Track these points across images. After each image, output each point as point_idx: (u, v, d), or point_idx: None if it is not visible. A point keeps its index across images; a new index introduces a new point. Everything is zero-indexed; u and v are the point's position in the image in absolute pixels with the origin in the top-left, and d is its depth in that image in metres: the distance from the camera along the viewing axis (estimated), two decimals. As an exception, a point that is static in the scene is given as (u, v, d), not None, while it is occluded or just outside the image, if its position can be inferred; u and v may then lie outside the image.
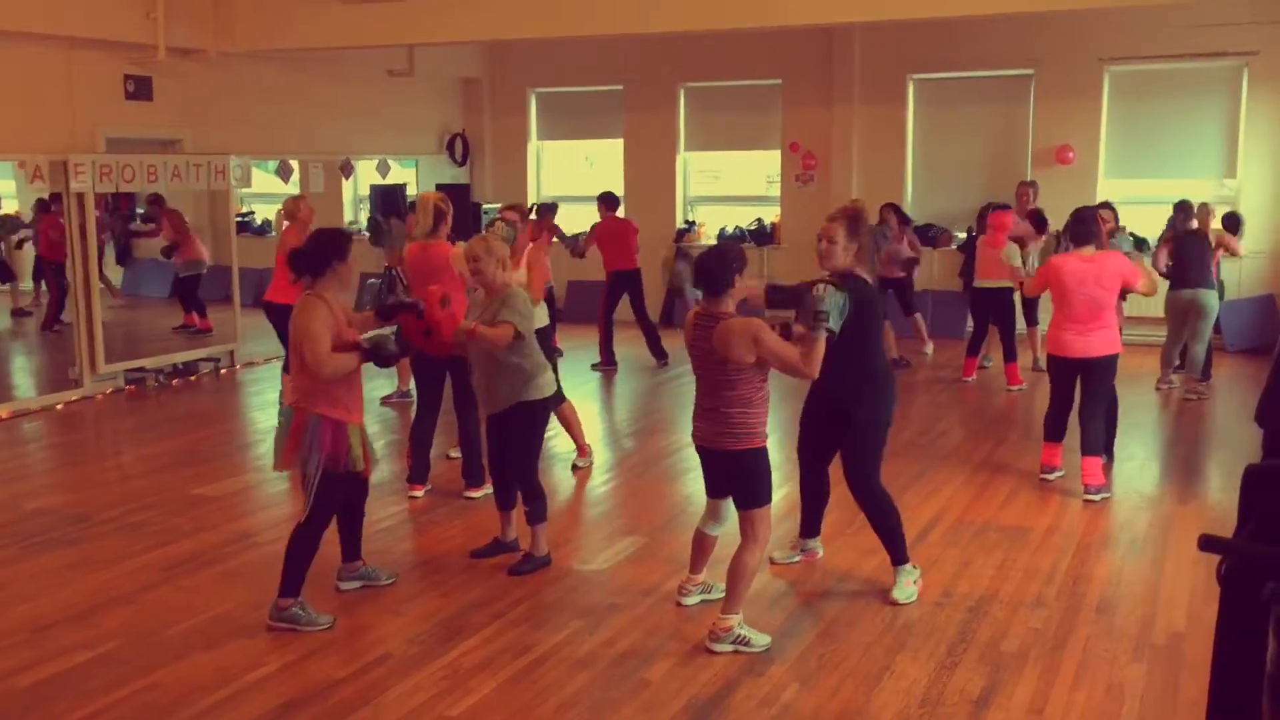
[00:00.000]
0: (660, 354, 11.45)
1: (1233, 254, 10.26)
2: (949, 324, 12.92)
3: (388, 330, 5.33)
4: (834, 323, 4.83)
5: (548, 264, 11.40)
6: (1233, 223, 10.78)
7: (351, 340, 5.20)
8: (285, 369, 9.30)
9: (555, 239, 11.61)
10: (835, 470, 5.88)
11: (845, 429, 5.51)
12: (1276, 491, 2.40)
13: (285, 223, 9.69)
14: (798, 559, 6.00)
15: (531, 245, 8.36)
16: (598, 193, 11.71)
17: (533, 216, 11.93)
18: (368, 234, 9.67)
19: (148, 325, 13.07)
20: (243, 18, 11.68)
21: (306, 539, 5.22)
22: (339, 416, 5.15)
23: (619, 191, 12.62)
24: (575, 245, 11.46)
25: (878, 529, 5.58)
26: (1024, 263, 10.09)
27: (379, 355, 5.22)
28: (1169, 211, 10.93)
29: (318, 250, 5.18)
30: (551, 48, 14.44)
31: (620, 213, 11.84)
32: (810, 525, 6.02)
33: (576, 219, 13.41)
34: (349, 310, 5.45)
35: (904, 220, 11.72)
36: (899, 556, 5.57)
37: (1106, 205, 10.63)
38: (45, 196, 11.94)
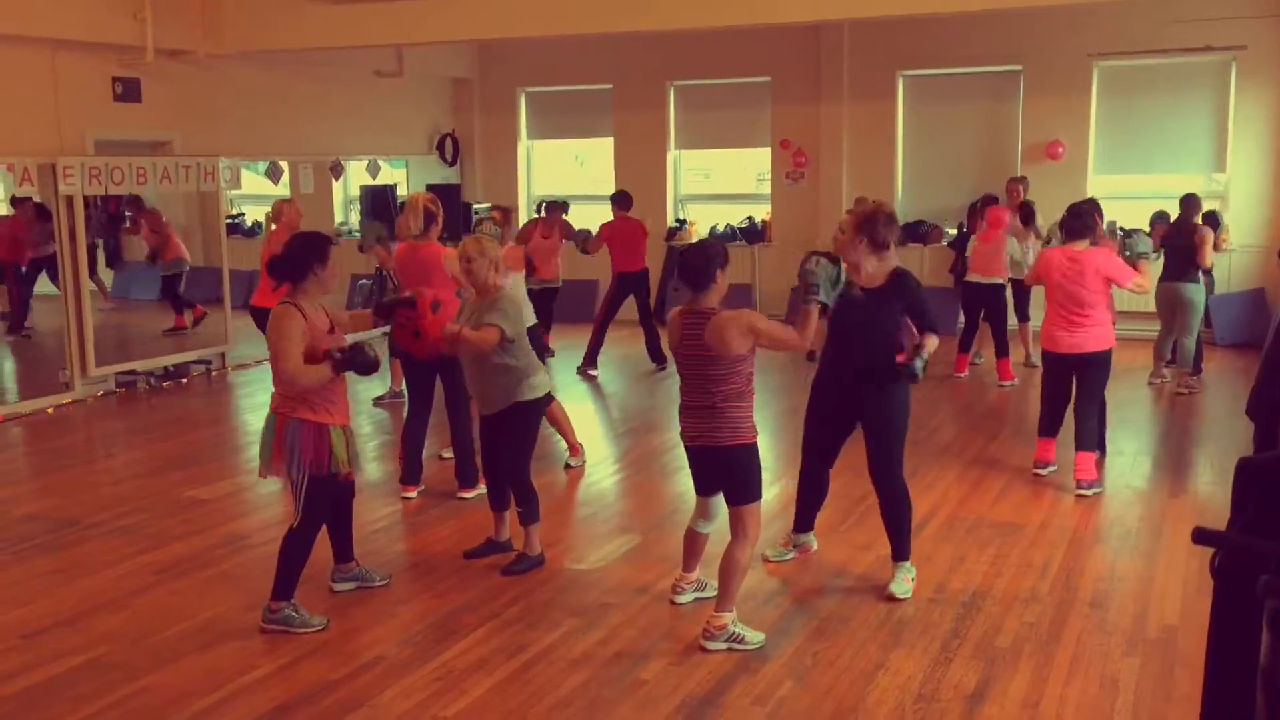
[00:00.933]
0: (659, 358, 11.23)
1: (1202, 258, 9.74)
2: (940, 320, 12.90)
3: (376, 334, 5.34)
4: (825, 295, 4.87)
5: (558, 263, 11.33)
6: (1210, 222, 10.79)
7: (323, 349, 5.10)
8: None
9: (566, 239, 11.47)
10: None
11: (868, 417, 5.52)
12: (1269, 484, 2.40)
13: (273, 225, 9.68)
14: (791, 555, 5.99)
15: (514, 246, 8.33)
16: (587, 191, 11.67)
17: (540, 214, 11.86)
18: (359, 237, 9.63)
19: (138, 328, 13.03)
20: (231, 19, 11.65)
21: (298, 543, 5.21)
22: (319, 420, 5.13)
23: (610, 190, 12.57)
24: (585, 242, 11.31)
25: (889, 521, 5.58)
26: (1024, 256, 10.13)
27: (355, 364, 5.10)
28: (1158, 206, 10.95)
29: (297, 255, 5.14)
30: (541, 47, 14.43)
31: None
32: (805, 520, 6.01)
33: (570, 218, 13.37)
34: (336, 313, 5.41)
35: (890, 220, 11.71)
36: (902, 552, 5.58)
37: (1090, 202, 10.64)
38: (31, 197, 11.89)
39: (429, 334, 5.56)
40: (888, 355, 5.41)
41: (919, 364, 5.34)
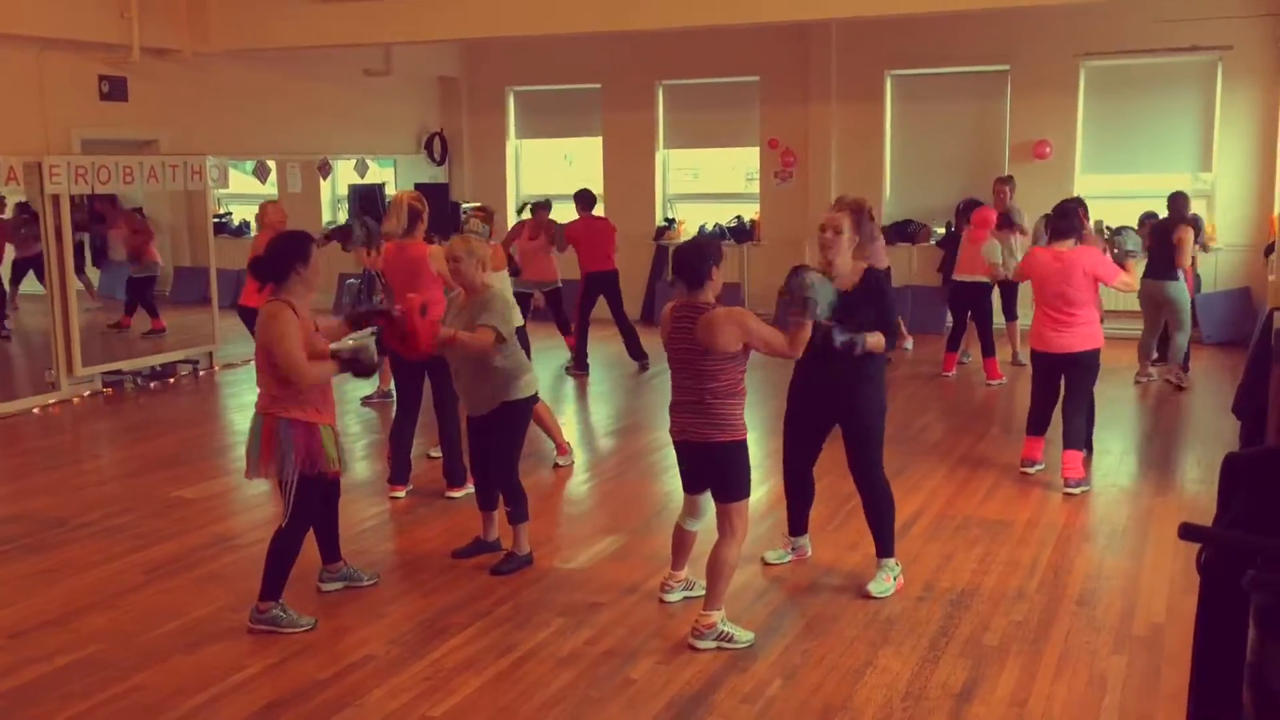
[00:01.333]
0: (640, 355, 11.21)
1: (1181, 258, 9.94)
2: (928, 319, 12.95)
3: (366, 335, 5.31)
4: (821, 311, 4.89)
5: (554, 263, 11.29)
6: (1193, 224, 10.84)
7: (322, 349, 5.15)
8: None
9: (550, 240, 11.39)
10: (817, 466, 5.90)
11: (843, 418, 5.53)
12: (1255, 480, 2.41)
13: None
14: (789, 558, 5.99)
15: (517, 242, 8.30)
16: (575, 191, 11.58)
17: (525, 215, 11.84)
18: (338, 240, 9.53)
19: (125, 328, 12.97)
20: (218, 17, 11.62)
21: (287, 543, 5.21)
22: (309, 418, 5.12)
23: (598, 190, 12.56)
24: (558, 240, 11.26)
25: (872, 518, 5.59)
26: (1003, 259, 10.15)
27: (357, 365, 5.18)
28: (1145, 206, 11.00)
29: (278, 255, 5.13)
30: (529, 46, 14.42)
31: (599, 211, 11.66)
32: (798, 522, 6.01)
33: (558, 217, 13.37)
34: (316, 318, 5.38)
35: (871, 218, 11.66)
36: (885, 549, 5.59)
37: (1076, 201, 10.68)
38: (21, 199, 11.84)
39: (421, 337, 5.55)
40: (861, 356, 5.39)
41: (840, 336, 5.17)
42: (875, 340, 5.31)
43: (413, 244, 7.09)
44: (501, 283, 7.56)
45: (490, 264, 5.98)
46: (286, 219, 9.68)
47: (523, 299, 10.94)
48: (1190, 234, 9.80)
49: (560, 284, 11.32)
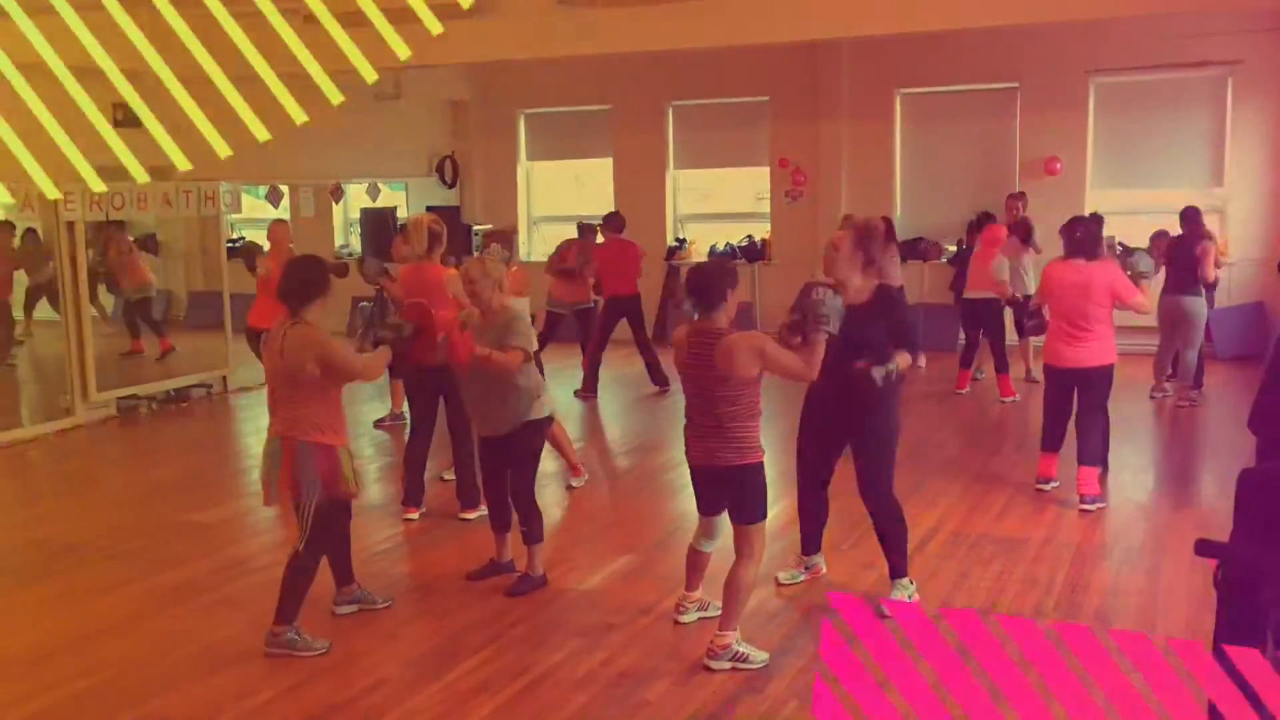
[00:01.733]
0: (661, 381, 11.12)
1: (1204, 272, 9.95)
2: (941, 337, 12.91)
3: (393, 324, 5.62)
4: (833, 326, 4.87)
5: (588, 284, 11.29)
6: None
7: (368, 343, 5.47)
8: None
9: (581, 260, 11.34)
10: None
11: (855, 437, 5.51)
12: (1271, 495, 2.40)
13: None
14: (803, 577, 5.97)
15: (516, 269, 8.30)
16: (586, 212, 11.57)
17: (587, 234, 11.83)
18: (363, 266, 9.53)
19: (138, 352, 13.03)
20: (231, 43, 11.68)
21: (304, 566, 5.21)
22: (329, 441, 5.14)
23: (609, 210, 12.56)
24: (584, 266, 11.20)
25: (884, 539, 5.57)
26: (1010, 277, 10.15)
27: (397, 338, 5.50)
28: (1157, 221, 10.98)
29: (306, 283, 5.19)
30: (539, 69, 14.47)
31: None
32: (811, 542, 6.00)
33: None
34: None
35: (890, 236, 11.66)
36: (898, 569, 5.56)
37: (1095, 218, 10.67)
38: (33, 227, 11.90)
39: (457, 355, 5.57)
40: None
41: (879, 372, 5.20)
42: (903, 361, 5.30)
43: (430, 266, 7.11)
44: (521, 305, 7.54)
45: (508, 286, 6.01)
46: (289, 235, 9.79)
47: (555, 319, 10.98)
48: (1212, 247, 9.78)
49: (593, 304, 11.32)
